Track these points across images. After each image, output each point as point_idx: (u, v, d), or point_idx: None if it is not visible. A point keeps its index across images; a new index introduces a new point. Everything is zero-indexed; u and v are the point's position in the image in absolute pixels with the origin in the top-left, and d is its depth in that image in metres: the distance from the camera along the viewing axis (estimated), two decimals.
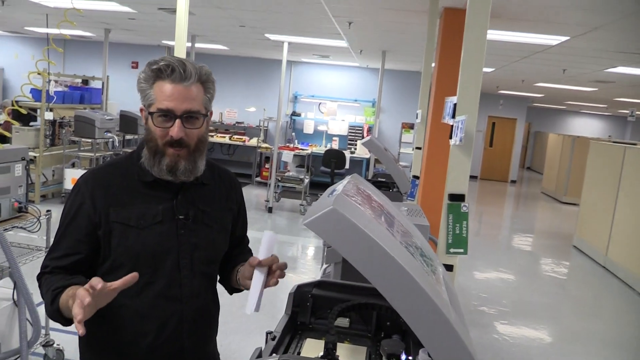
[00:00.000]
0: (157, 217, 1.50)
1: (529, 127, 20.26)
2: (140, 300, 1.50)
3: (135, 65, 11.35)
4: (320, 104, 11.98)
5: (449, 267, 1.98)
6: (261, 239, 1.43)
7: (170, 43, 10.56)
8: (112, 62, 10.00)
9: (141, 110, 1.50)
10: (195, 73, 1.45)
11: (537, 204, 13.13)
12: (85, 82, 10.23)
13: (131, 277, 1.27)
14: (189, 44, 8.73)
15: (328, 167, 9.86)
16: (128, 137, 9.50)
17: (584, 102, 15.27)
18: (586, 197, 8.46)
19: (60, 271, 1.46)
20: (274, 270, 1.44)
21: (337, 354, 1.48)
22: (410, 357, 1.32)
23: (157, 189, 1.52)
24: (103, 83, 9.08)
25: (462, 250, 1.97)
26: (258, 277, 1.41)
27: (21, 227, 3.07)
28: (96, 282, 1.21)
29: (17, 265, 2.84)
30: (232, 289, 1.74)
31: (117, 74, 10.85)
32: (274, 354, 1.41)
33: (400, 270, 1.09)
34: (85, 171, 1.58)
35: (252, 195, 10.19)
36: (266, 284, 1.43)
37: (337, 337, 1.34)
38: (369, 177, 9.66)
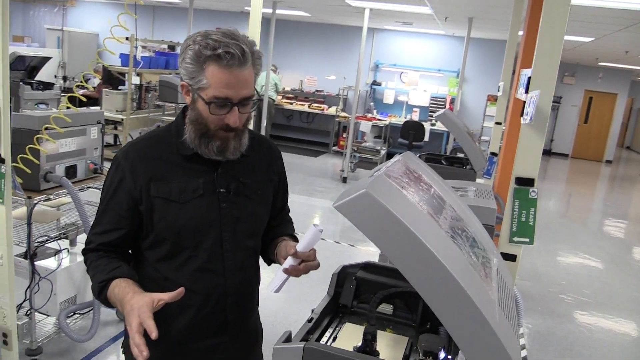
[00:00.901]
0: (198, 191, 1.46)
1: (632, 103, 18.56)
2: (183, 274, 1.49)
3: None
4: (401, 73, 11.63)
5: (511, 257, 1.81)
6: (307, 231, 1.37)
7: None
8: (196, 28, 10.19)
9: (182, 86, 1.43)
10: (250, 54, 1.36)
11: (634, 187, 12.10)
12: (172, 47, 10.56)
13: (177, 292, 1.29)
14: (270, 10, 8.70)
15: (406, 139, 9.60)
16: None
17: None
18: None
19: (104, 248, 1.47)
20: (302, 265, 1.38)
21: (375, 342, 1.40)
22: (450, 357, 1.20)
23: (197, 162, 1.48)
24: None
25: (527, 240, 1.79)
26: (289, 263, 1.37)
27: (95, 188, 3.21)
28: (150, 328, 1.21)
29: (90, 224, 2.98)
30: (270, 260, 1.71)
31: None
32: (308, 338, 1.35)
33: (436, 264, 0.97)
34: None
35: (328, 164, 10.17)
36: (290, 273, 1.38)
37: (377, 327, 1.25)
38: (449, 152, 9.31)
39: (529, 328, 4.27)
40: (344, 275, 1.58)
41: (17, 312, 2.98)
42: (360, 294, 1.57)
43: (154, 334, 1.19)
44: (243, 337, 1.64)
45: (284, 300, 4.10)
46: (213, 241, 1.49)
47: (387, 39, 11.73)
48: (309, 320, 1.41)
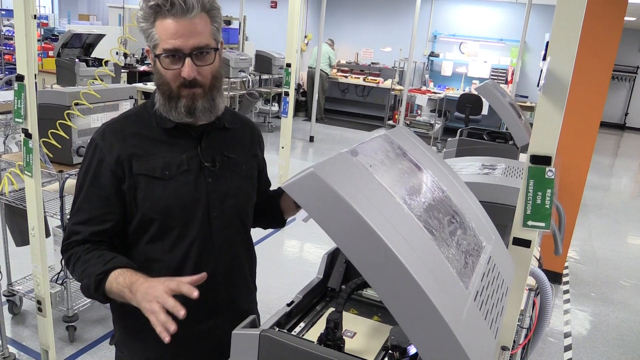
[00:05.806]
0: (183, 166, 1.40)
1: None
2: (174, 255, 1.43)
3: (274, 5, 11.45)
4: (461, 43, 11.13)
5: (525, 243, 1.65)
6: None
7: None
8: (252, 2, 10.17)
9: (147, 52, 1.38)
10: (197, 2, 1.29)
11: None
12: (228, 22, 10.62)
13: (200, 277, 1.23)
14: None
15: (462, 112, 9.21)
16: (264, 76, 9.77)
17: None
18: None
19: (93, 239, 1.38)
20: None
21: (355, 331, 1.32)
22: None
23: (179, 137, 1.42)
24: (240, 23, 9.32)
25: (543, 225, 1.63)
26: None
27: None
28: (177, 307, 1.17)
29: None
30: (284, 221, 1.69)
31: (256, 14, 11.07)
32: (283, 323, 1.28)
33: (387, 253, 0.87)
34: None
35: None
36: None
37: (341, 316, 1.15)
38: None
39: (578, 314, 4.01)
40: (332, 258, 1.50)
41: (56, 282, 3.11)
42: (351, 277, 1.48)
43: (182, 312, 1.14)
44: (239, 320, 1.59)
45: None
46: (201, 218, 1.43)
47: (445, 8, 11.23)
48: (289, 304, 1.34)
